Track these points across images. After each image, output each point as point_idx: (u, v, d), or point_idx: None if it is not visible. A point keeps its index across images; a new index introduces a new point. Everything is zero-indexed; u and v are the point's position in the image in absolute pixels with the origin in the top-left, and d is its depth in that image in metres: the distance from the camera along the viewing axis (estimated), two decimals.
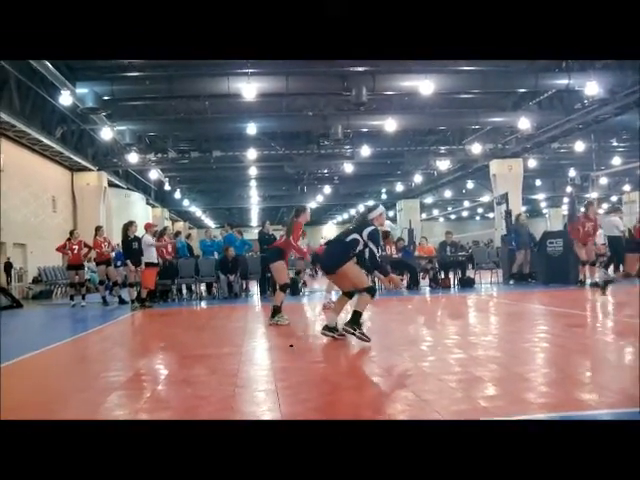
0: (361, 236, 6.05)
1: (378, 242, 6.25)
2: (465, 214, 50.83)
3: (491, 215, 36.55)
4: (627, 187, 33.67)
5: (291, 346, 5.92)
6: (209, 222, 48.87)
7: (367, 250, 6.06)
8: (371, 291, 6.14)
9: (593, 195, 16.60)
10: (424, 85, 16.54)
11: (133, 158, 22.56)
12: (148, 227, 12.88)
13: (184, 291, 14.92)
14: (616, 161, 25.91)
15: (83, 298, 13.36)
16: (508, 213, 17.81)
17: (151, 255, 12.19)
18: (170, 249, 13.64)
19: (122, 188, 27.55)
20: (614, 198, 36.36)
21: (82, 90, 16.25)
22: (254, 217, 48.74)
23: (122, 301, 13.19)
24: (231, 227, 16.19)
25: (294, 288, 14.25)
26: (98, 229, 14.00)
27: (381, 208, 6.32)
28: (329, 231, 57.66)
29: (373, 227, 6.09)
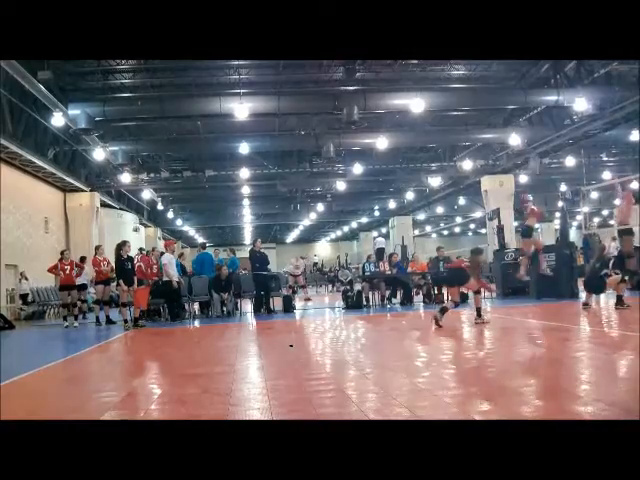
0: None
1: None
2: (457, 230, 50.96)
3: (483, 231, 36.64)
4: (618, 201, 33.89)
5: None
6: (202, 241, 48.75)
7: None
8: None
9: (584, 209, 16.70)
10: (415, 103, 16.67)
11: (125, 178, 22.56)
12: (168, 245, 13.51)
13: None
14: (606, 175, 26.10)
15: (76, 318, 13.30)
16: (500, 228, 17.91)
17: (172, 273, 12.98)
18: (155, 270, 13.45)
19: (115, 208, 27.50)
20: (605, 212, 36.61)
21: (74, 111, 16.31)
22: (247, 236, 48.73)
23: (110, 321, 13.10)
24: (203, 247, 16.34)
25: (287, 305, 14.25)
26: (98, 248, 14.04)
27: None
28: (322, 249, 57.78)
29: None
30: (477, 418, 3.42)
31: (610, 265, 11.00)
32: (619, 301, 9.98)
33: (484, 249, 12.49)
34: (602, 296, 12.52)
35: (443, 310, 9.00)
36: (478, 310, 9.11)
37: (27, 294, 17.76)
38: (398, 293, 15.21)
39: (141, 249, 15.00)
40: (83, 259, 14.90)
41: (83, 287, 14.76)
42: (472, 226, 48.95)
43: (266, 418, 3.66)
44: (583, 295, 11.43)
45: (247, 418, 3.76)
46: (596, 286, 10.91)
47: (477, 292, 9.35)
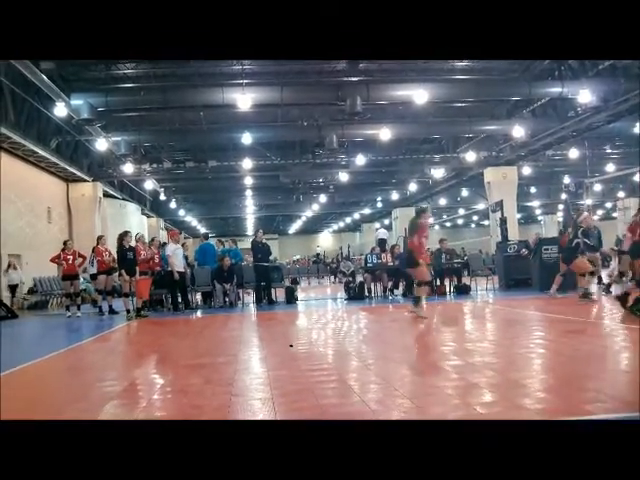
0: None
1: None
2: (460, 222, 50.91)
3: (486, 222, 36.62)
4: (621, 194, 33.80)
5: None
6: (205, 232, 48.80)
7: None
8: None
9: (588, 202, 16.69)
10: (418, 94, 16.61)
11: (128, 168, 22.55)
12: (173, 235, 14.00)
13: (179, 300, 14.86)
14: (610, 168, 26.05)
15: (78, 308, 13.33)
16: (503, 220, 17.88)
17: (177, 264, 13.13)
18: (157, 260, 13.35)
19: (117, 198, 27.50)
20: (608, 204, 36.54)
21: (77, 101, 16.28)
22: (250, 226, 48.75)
23: (112, 311, 13.11)
24: (206, 238, 16.35)
25: (290, 297, 14.27)
26: (100, 238, 14.04)
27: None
28: (325, 240, 57.80)
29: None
30: (479, 409, 3.43)
31: (580, 233, 10.70)
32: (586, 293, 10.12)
33: (428, 207, 12.25)
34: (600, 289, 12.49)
35: (416, 300, 9.08)
36: (416, 299, 8.93)
37: (16, 285, 17.14)
38: (400, 284, 15.21)
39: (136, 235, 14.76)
40: (95, 250, 14.66)
41: (96, 277, 14.73)
42: (475, 218, 48.93)
43: (268, 411, 3.68)
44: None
45: (249, 408, 3.78)
46: (567, 257, 10.90)
47: (427, 283, 9.26)
